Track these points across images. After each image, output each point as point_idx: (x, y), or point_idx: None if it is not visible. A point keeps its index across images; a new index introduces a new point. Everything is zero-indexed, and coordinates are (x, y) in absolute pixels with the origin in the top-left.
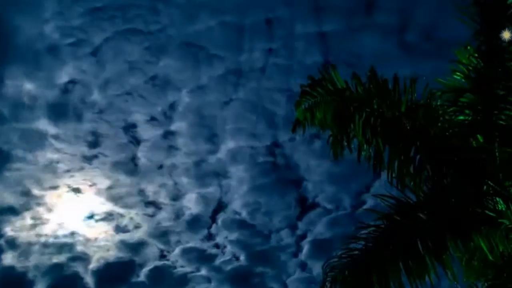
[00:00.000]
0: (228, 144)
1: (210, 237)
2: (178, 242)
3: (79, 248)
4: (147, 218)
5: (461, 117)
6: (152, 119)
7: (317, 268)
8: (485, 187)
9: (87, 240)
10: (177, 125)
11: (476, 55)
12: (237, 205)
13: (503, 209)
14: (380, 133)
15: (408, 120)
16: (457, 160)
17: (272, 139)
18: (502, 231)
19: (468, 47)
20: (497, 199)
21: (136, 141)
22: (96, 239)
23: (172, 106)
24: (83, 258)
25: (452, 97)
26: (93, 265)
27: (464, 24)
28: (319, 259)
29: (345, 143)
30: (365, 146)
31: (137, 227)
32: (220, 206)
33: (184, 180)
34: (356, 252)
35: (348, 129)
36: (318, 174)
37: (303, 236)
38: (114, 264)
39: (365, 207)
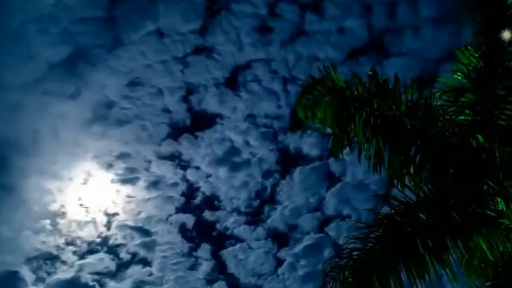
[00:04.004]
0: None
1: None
2: None
3: None
4: None
5: (461, 117)
6: None
7: None
8: (485, 187)
9: None
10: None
11: (476, 55)
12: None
13: (503, 209)
14: (380, 133)
15: (408, 120)
16: (457, 160)
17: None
18: (502, 231)
19: (468, 47)
20: (497, 199)
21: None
22: None
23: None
24: None
25: (452, 97)
26: None
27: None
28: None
29: (346, 142)
30: (365, 145)
31: None
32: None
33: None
34: (356, 252)
35: (349, 128)
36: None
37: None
38: None
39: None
